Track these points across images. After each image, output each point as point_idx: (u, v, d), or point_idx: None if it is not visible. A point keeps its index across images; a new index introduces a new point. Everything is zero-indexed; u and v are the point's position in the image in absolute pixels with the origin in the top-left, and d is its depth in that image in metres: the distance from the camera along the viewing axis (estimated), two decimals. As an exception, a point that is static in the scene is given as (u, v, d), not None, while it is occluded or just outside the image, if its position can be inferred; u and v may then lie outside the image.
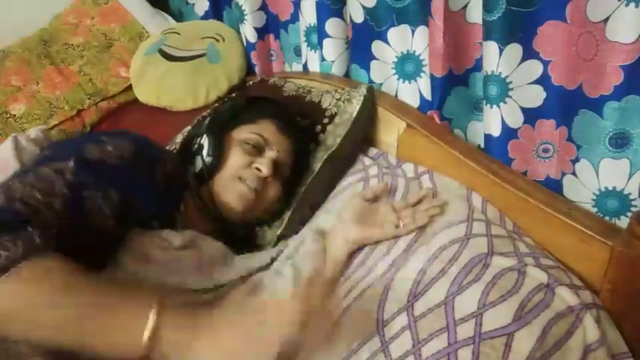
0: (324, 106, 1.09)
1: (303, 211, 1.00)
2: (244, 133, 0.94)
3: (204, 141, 0.92)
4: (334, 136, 1.03)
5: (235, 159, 0.92)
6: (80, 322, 0.59)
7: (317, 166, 1.01)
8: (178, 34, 1.53)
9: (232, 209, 0.90)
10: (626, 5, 0.67)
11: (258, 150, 0.93)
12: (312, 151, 1.04)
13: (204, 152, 0.92)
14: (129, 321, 0.60)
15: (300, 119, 1.08)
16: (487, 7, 0.83)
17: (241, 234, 0.98)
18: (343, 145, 1.03)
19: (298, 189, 1.00)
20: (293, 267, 0.82)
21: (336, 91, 1.11)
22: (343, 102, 1.07)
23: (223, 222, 0.92)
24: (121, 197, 0.74)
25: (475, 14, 0.90)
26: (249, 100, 1.05)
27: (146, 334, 0.59)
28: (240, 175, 0.91)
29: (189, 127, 1.21)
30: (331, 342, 0.78)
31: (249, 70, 1.51)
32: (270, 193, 0.94)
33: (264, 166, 0.91)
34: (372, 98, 1.08)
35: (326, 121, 1.06)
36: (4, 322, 0.59)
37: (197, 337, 0.61)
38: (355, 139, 1.07)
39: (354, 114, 1.04)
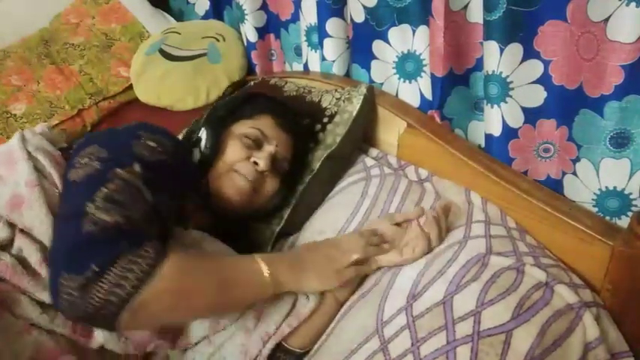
0: (324, 106, 1.09)
1: (302, 209, 1.00)
2: (243, 127, 0.94)
3: (203, 134, 0.92)
4: (334, 135, 1.03)
5: (233, 152, 0.91)
6: (222, 286, 0.70)
7: (316, 164, 1.01)
8: (179, 33, 1.53)
9: (228, 201, 0.89)
10: (627, 5, 0.67)
11: (256, 144, 0.93)
12: (311, 149, 1.04)
13: (202, 145, 0.92)
14: (249, 272, 0.73)
15: (299, 118, 1.07)
16: (488, 7, 0.83)
17: (239, 230, 0.98)
18: (343, 145, 1.03)
19: (297, 187, 1.00)
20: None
21: (336, 90, 1.11)
22: (343, 101, 1.07)
23: (220, 216, 0.92)
24: (170, 198, 0.77)
25: (476, 14, 0.90)
26: (247, 95, 1.05)
27: (266, 275, 0.72)
28: (237, 168, 0.90)
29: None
30: (332, 342, 0.78)
31: (250, 69, 1.51)
32: (267, 188, 0.93)
33: (261, 160, 0.90)
34: (372, 97, 1.08)
35: (326, 120, 1.06)
36: (168, 317, 0.69)
37: (301, 269, 0.76)
38: (355, 139, 1.07)
39: (354, 113, 1.04)
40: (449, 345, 0.63)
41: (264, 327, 0.79)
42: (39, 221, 0.71)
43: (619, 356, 0.69)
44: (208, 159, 0.91)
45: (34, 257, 0.70)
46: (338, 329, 0.79)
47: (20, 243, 0.71)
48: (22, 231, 0.71)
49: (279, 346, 0.79)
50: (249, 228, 1.02)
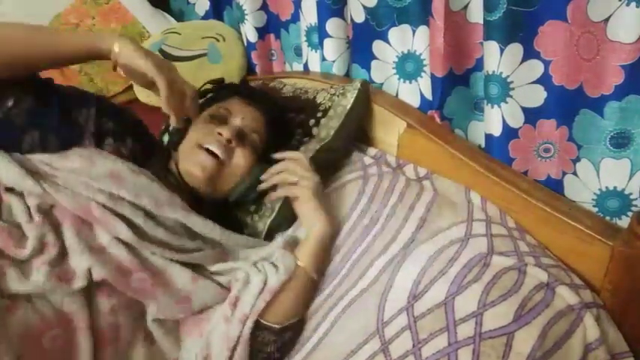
0: (318, 101, 1.09)
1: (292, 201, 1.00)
2: (210, 109, 0.97)
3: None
4: (327, 128, 1.04)
5: (198, 129, 0.93)
6: (55, 38, 0.86)
7: (308, 156, 1.00)
8: (179, 33, 1.53)
9: (194, 176, 0.89)
10: (627, 5, 0.67)
11: (222, 121, 0.94)
12: (305, 143, 1.04)
13: (171, 127, 0.95)
14: (96, 35, 0.86)
15: (294, 115, 1.09)
16: (488, 7, 0.83)
17: (219, 209, 0.97)
18: (336, 137, 1.03)
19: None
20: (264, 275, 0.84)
21: (331, 87, 1.12)
22: (337, 96, 1.07)
23: (196, 195, 0.92)
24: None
25: (476, 14, 0.90)
26: (216, 86, 1.08)
27: (114, 47, 0.83)
28: (201, 143, 0.90)
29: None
30: (331, 341, 0.78)
31: (250, 70, 1.51)
32: (236, 160, 0.92)
33: (225, 129, 0.91)
34: (367, 92, 1.08)
35: (320, 115, 1.06)
36: None
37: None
38: (349, 132, 1.07)
39: (348, 107, 1.04)
40: (450, 347, 0.63)
41: (240, 310, 0.80)
42: (5, 170, 0.77)
43: (619, 357, 0.69)
44: (176, 139, 0.94)
45: (20, 215, 0.76)
46: (337, 328, 0.79)
47: (8, 202, 0.76)
48: (6, 190, 0.77)
49: (258, 326, 0.80)
50: (242, 221, 1.02)
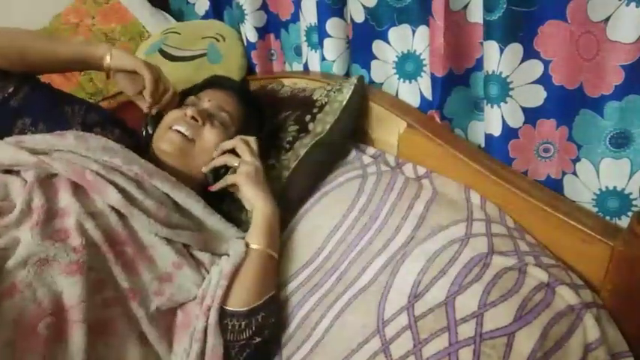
0: (315, 98, 1.10)
1: (288, 197, 1.01)
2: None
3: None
4: (323, 123, 1.04)
5: (169, 115, 0.99)
6: (54, 42, 0.97)
7: (302, 151, 1.01)
8: (179, 33, 1.53)
9: (165, 152, 0.95)
10: (627, 5, 0.67)
11: (192, 106, 1.00)
12: (300, 138, 1.05)
13: (148, 120, 1.03)
14: (89, 45, 0.99)
15: (289, 113, 1.10)
16: (488, 7, 0.83)
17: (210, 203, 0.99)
18: (332, 132, 1.04)
19: (283, 172, 1.01)
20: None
21: (328, 84, 1.12)
22: (334, 92, 1.08)
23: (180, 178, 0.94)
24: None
25: (476, 14, 0.90)
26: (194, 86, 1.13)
27: (107, 54, 0.96)
28: (170, 125, 0.97)
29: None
30: (331, 340, 0.78)
31: (250, 70, 1.51)
32: (206, 137, 0.97)
33: (190, 109, 0.96)
34: (363, 87, 1.09)
35: (316, 110, 1.07)
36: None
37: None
38: (344, 128, 1.07)
39: (344, 102, 1.05)
40: (451, 347, 0.63)
41: (205, 303, 0.81)
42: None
43: (619, 356, 0.69)
44: (152, 130, 1.00)
45: (16, 192, 0.80)
46: (337, 327, 0.79)
47: (4, 181, 0.82)
48: (5, 172, 0.84)
49: (224, 314, 0.81)
50: (236, 218, 1.02)
